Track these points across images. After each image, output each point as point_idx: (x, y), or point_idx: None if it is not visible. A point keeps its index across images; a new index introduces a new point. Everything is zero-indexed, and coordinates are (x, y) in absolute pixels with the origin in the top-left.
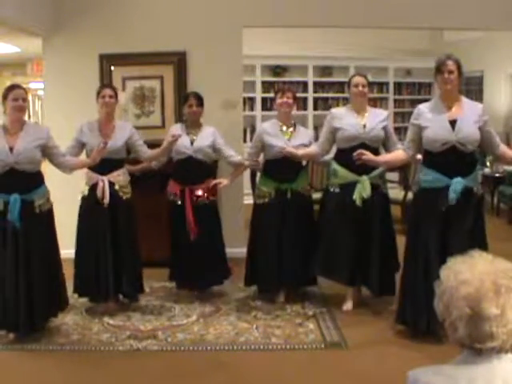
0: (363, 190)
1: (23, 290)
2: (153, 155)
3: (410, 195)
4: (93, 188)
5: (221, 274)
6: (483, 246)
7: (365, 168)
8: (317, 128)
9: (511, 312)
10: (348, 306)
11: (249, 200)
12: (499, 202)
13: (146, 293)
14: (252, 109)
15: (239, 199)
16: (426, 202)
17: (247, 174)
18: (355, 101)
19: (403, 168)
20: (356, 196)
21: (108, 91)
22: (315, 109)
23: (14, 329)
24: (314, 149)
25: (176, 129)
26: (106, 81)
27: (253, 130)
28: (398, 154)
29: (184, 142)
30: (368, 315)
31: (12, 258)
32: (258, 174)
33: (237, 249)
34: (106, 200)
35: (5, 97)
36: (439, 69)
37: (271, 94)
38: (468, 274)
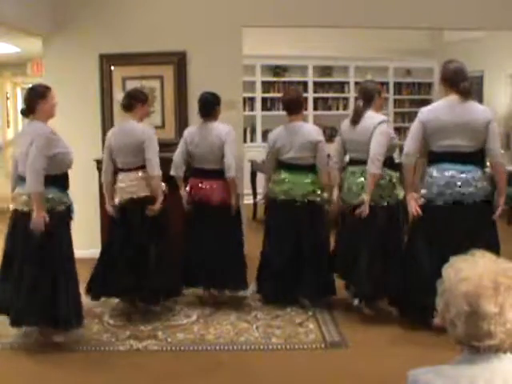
0: None
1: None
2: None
3: None
4: None
5: None
6: None
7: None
8: None
9: (510, 311)
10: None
11: (249, 200)
12: None
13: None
14: (252, 109)
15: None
16: None
17: (247, 173)
18: (380, 109)
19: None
20: None
21: None
22: (315, 109)
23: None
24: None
25: None
26: (105, 81)
27: (253, 130)
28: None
29: None
30: (368, 315)
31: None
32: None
33: None
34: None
35: (44, 96)
36: None
37: (271, 94)
38: (468, 271)
